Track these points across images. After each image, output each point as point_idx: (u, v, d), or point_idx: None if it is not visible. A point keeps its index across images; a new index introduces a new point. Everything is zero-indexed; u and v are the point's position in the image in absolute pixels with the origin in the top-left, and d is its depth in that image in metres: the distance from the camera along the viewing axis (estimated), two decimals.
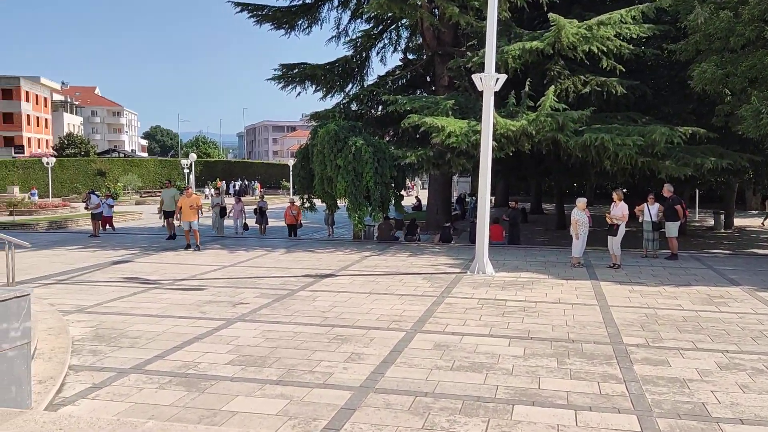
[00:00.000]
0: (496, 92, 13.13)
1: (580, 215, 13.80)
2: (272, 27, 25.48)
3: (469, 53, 19.47)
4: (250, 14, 24.86)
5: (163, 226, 21.44)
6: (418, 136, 21.05)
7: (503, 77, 13.08)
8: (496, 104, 15.02)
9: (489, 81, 12.86)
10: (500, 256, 15.06)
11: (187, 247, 16.48)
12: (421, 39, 24.17)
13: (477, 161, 14.20)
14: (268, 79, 24.67)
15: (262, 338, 7.85)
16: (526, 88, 18.02)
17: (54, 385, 5.92)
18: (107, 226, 22.38)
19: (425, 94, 22.47)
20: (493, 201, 36.39)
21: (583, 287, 11.44)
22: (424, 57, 24.08)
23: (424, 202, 30.84)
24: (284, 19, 24.97)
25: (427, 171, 20.53)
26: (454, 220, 24.49)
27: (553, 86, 17.55)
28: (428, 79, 24.86)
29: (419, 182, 64.17)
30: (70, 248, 16.94)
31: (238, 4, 24.51)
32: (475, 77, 13.12)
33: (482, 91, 13.09)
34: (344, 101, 24.62)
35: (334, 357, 7.09)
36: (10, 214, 31.12)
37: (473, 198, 32.67)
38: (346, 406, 5.59)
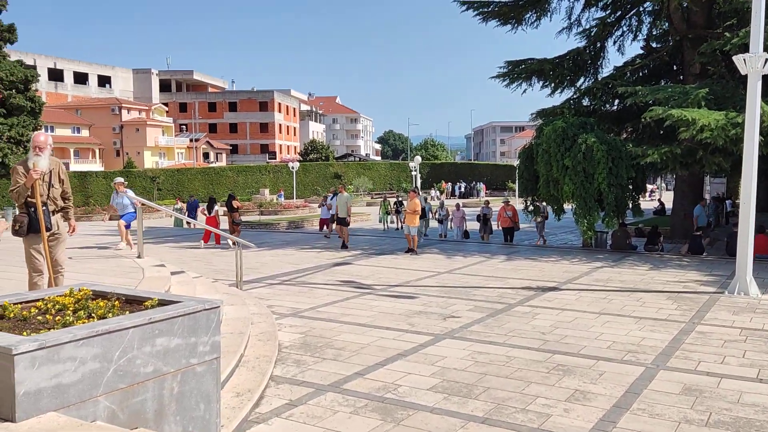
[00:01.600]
0: (764, 76, 10.76)
1: None
2: (498, 23, 24.52)
3: (727, 34, 16.59)
4: (476, 12, 24.18)
5: (329, 233, 20.82)
6: (661, 131, 18.55)
7: None
8: (764, 92, 12.41)
9: (756, 63, 10.54)
10: (767, 274, 12.41)
11: (408, 251, 16.30)
12: (667, 23, 21.42)
13: (736, 159, 11.81)
14: (493, 77, 23.77)
15: (471, 361, 6.99)
16: None
17: (250, 399, 5.68)
18: (325, 227, 23.21)
19: (671, 84, 19.78)
20: None
21: None
22: (670, 43, 21.30)
23: (669, 206, 27.49)
24: (511, 14, 23.86)
25: (673, 171, 17.98)
26: (707, 228, 21.19)
27: None
28: (674, 67, 21.99)
29: (662, 184, 58.38)
30: (300, 248, 17.79)
31: (463, 3, 23.99)
32: (737, 59, 10.85)
33: (745, 76, 10.79)
34: (574, 96, 22.79)
35: (552, 393, 5.97)
36: (260, 213, 34.47)
37: (725, 202, 28.37)
38: None
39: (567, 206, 17.90)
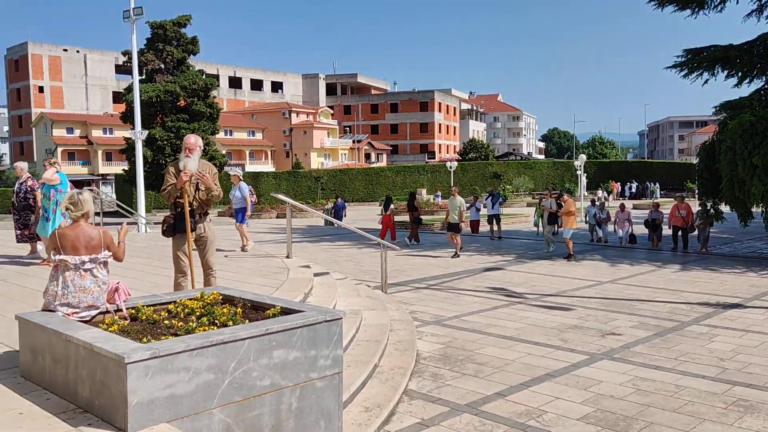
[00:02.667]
0: None
1: None
2: (675, 9, 22.25)
3: None
4: None
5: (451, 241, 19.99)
6: None
7: None
8: None
9: None
10: None
11: (568, 257, 15.23)
12: None
13: None
14: (669, 67, 21.61)
15: (632, 388, 6.11)
16: None
17: (379, 416, 5.33)
18: (475, 230, 22.55)
19: None
20: None
21: None
22: None
23: None
24: None
25: None
26: None
27: None
28: None
29: None
30: (451, 251, 17.34)
31: None
32: None
33: None
34: (765, 86, 20.03)
35: None
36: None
37: None
38: None
39: (756, 210, 15.70)
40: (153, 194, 41.51)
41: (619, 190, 54.56)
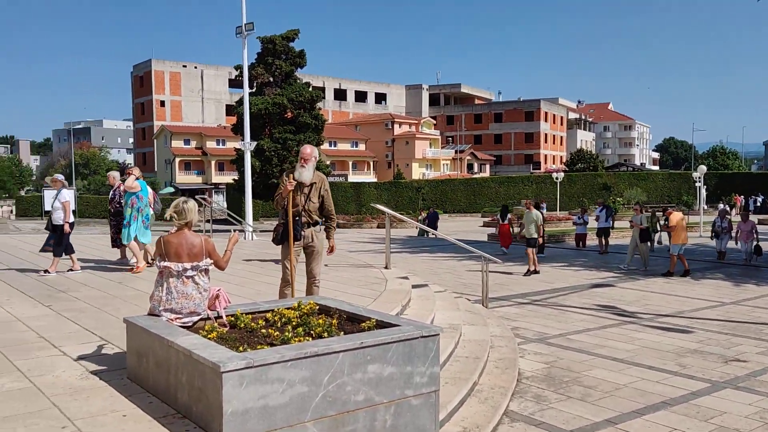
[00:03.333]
0: None
1: None
2: None
3: None
4: None
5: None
6: None
7: None
8: None
9: None
10: None
11: (685, 273, 14.21)
12: None
13: None
14: None
15: (759, 421, 5.49)
16: None
17: None
18: (580, 244, 21.60)
19: None
20: None
21: None
22: None
23: None
24: None
25: None
26: None
27: None
28: None
29: None
30: (557, 265, 16.68)
31: None
32: None
33: None
34: None
35: None
36: (519, 226, 33.66)
37: None
38: None
39: None
40: (260, 203, 43.13)
41: (743, 203, 50.72)
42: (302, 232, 6.42)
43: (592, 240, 21.80)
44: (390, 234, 11.03)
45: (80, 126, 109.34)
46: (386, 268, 10.41)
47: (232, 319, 4.75)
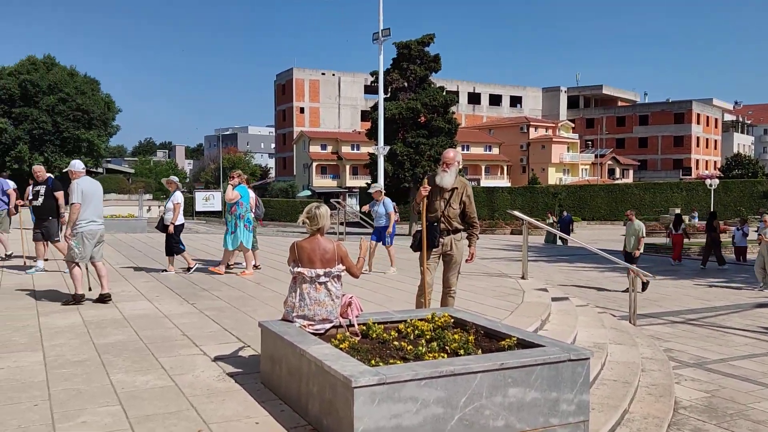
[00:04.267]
0: None
1: None
2: None
3: None
4: None
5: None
6: None
7: None
8: None
9: None
10: None
11: None
12: None
13: None
14: None
15: None
16: None
17: None
18: (741, 258, 19.55)
19: None
20: None
21: None
22: None
23: None
24: None
25: None
26: None
27: None
28: None
29: None
30: (711, 280, 15.20)
31: None
32: None
33: None
34: None
35: None
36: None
37: None
38: None
39: None
40: None
41: None
42: (440, 239, 6.11)
43: (752, 253, 19.72)
44: (527, 242, 10.49)
45: (228, 132, 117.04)
46: (523, 278, 9.92)
47: (364, 328, 4.59)
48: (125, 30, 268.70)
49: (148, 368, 4.85)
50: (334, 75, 79.59)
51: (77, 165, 7.89)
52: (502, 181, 71.07)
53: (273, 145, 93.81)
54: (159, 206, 53.84)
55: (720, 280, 15.23)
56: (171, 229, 9.88)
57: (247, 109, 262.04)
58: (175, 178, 10.36)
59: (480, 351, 3.99)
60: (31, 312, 6.93)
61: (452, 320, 4.74)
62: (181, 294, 8.17)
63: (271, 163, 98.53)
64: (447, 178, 6.04)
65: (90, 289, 7.83)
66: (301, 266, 4.54)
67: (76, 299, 7.25)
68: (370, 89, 75.54)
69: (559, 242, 26.85)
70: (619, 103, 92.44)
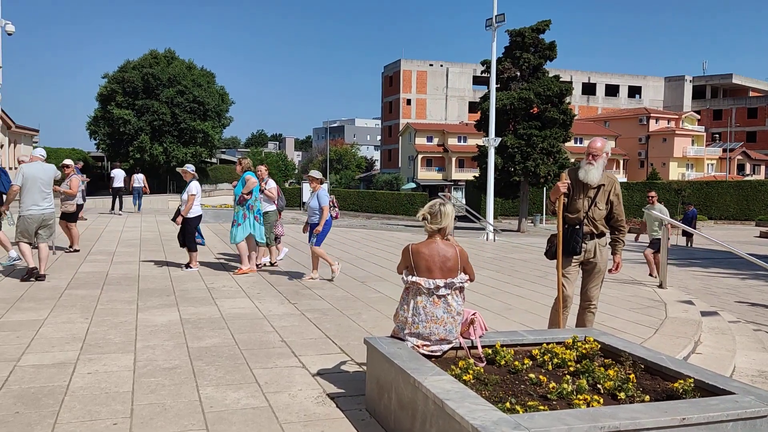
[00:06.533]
0: None
1: None
2: None
3: None
4: None
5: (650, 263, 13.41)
6: None
7: None
8: None
9: None
10: None
11: None
12: None
13: None
14: None
15: None
16: None
17: None
18: None
19: None
20: None
21: None
22: None
23: None
24: None
25: None
26: None
27: None
28: None
29: None
30: None
31: None
32: None
33: None
34: None
35: None
36: None
37: None
38: None
39: None
40: (500, 201, 42.15)
41: None
42: (583, 245, 5.12)
43: None
44: (667, 245, 9.24)
45: (335, 125, 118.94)
46: (660, 286, 8.71)
47: (489, 352, 3.81)
48: (239, 21, 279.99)
49: (240, 382, 4.31)
50: (441, 66, 78.50)
51: (36, 151, 8.42)
52: (618, 176, 67.23)
53: (379, 137, 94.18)
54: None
55: None
56: (179, 220, 9.01)
57: (354, 101, 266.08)
58: (190, 167, 9.38)
59: (647, 396, 3.10)
60: (131, 306, 6.68)
61: (599, 347, 3.85)
62: (283, 292, 7.71)
63: (377, 155, 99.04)
64: (593, 173, 5.04)
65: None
66: (416, 275, 3.81)
67: (30, 273, 7.87)
68: (479, 80, 73.77)
69: (680, 242, 24.62)
70: (751, 93, 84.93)
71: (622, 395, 3.12)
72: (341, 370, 4.63)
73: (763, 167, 74.45)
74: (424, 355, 3.75)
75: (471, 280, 3.97)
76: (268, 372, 4.54)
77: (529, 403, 2.98)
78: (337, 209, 8.91)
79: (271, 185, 9.67)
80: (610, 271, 5.35)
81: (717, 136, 76.65)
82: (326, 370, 4.62)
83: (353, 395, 4.09)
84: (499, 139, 24.47)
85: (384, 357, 3.61)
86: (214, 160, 57.53)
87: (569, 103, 35.62)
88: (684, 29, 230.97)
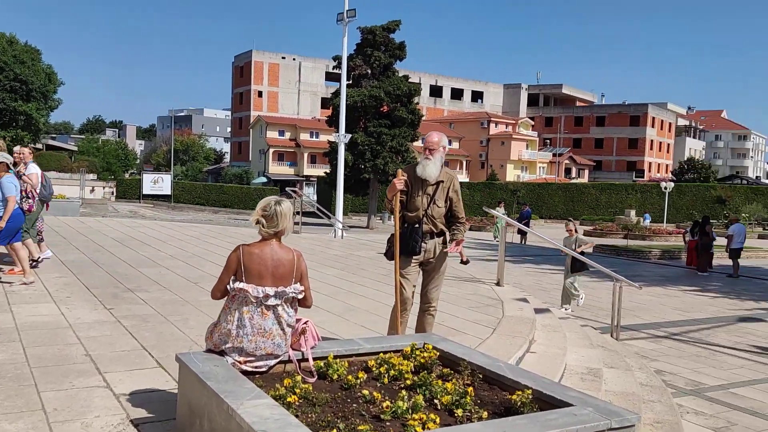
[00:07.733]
0: None
1: None
2: None
3: None
4: None
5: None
6: None
7: None
8: None
9: None
10: None
11: None
12: None
13: None
14: None
15: None
16: None
17: None
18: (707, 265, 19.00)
19: None
20: None
21: None
22: None
23: None
24: None
25: None
26: None
27: None
28: None
29: None
30: (684, 288, 14.54)
31: None
32: None
33: None
34: None
35: None
36: (625, 237, 31.07)
37: None
38: None
39: None
40: (351, 198, 42.32)
41: None
42: (423, 244, 4.85)
43: (719, 259, 19.29)
44: (504, 244, 9.47)
45: (183, 114, 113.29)
46: (498, 284, 8.88)
47: (322, 365, 3.43)
48: (76, 3, 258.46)
49: (22, 409, 3.56)
50: (294, 59, 77.54)
51: None
52: (461, 176, 70.51)
53: (229, 129, 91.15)
54: (104, 187, 51.39)
55: (693, 289, 14.57)
56: None
57: (203, 91, 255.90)
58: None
59: (485, 412, 2.87)
60: None
61: (437, 355, 3.61)
62: (99, 295, 6.81)
63: (227, 147, 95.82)
64: (431, 168, 4.81)
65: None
66: (244, 281, 3.32)
67: None
68: (332, 76, 73.76)
69: (514, 239, 26.12)
70: (578, 103, 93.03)
71: (459, 412, 2.86)
72: (154, 389, 4.01)
73: (586, 171, 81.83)
74: (247, 372, 3.28)
75: (305, 299, 3.53)
76: (61, 395, 3.81)
77: (360, 428, 2.62)
78: (32, 201, 7.90)
79: (32, 170, 8.24)
80: (450, 249, 5.02)
81: (548, 141, 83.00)
82: (136, 390, 3.98)
83: (163, 420, 3.51)
84: (349, 136, 24.39)
85: (197, 378, 3.09)
86: (39, 146, 52.16)
87: (417, 104, 36.55)
88: (523, 41, 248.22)
